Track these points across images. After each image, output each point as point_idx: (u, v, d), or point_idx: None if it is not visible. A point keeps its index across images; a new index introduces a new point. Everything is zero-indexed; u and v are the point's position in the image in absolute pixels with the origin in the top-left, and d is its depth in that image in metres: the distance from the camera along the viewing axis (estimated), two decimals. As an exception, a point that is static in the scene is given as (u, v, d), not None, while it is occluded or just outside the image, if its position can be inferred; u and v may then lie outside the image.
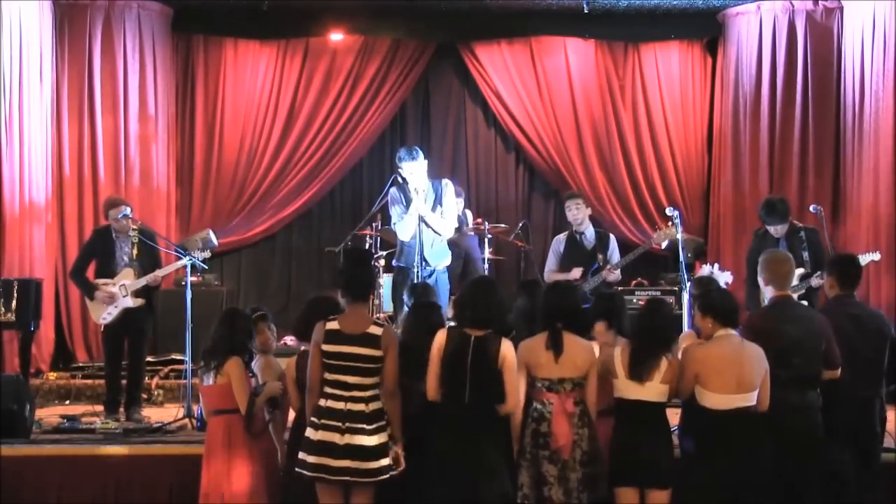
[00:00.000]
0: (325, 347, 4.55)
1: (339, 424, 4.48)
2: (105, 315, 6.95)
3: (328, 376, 4.55)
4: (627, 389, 4.64)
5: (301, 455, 4.55)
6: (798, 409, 4.80)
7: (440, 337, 4.71)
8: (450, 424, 4.62)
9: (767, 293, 5.06)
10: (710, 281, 5.70)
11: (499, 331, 4.94)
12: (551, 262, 7.77)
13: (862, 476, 5.12)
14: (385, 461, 4.52)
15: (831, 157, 9.28)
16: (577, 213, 7.66)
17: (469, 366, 4.60)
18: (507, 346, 4.68)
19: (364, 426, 4.49)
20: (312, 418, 4.56)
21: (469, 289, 4.94)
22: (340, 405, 4.51)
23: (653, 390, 4.62)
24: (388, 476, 4.53)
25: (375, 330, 4.57)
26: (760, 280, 5.09)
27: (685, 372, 4.64)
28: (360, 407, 4.51)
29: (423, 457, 4.67)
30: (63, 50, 9.02)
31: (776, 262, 5.12)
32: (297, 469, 4.57)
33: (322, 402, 4.55)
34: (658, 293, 8.22)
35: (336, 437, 4.47)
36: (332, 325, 4.58)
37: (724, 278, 6.31)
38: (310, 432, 4.54)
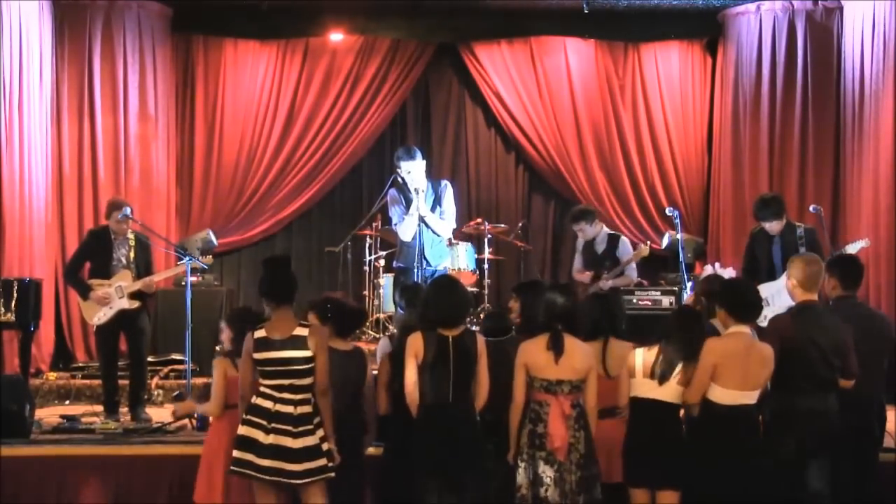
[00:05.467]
0: (256, 356, 4.63)
1: (265, 423, 4.57)
2: (100, 316, 6.92)
3: (264, 381, 4.63)
4: (643, 388, 4.64)
5: (233, 453, 4.62)
6: (818, 414, 4.78)
7: (416, 342, 4.72)
8: (434, 424, 4.65)
9: (795, 295, 5.02)
10: (716, 278, 5.70)
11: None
12: (577, 261, 7.82)
13: (859, 476, 5.12)
14: (313, 464, 4.56)
15: (831, 156, 9.28)
16: (583, 236, 7.67)
17: (452, 366, 4.66)
18: (481, 341, 4.78)
19: (290, 428, 4.55)
20: (243, 415, 4.65)
21: (431, 289, 4.94)
22: (269, 404, 4.59)
23: (669, 391, 4.61)
24: (322, 477, 4.58)
25: (301, 331, 4.64)
26: (790, 280, 5.05)
27: (703, 363, 4.59)
28: (288, 409, 4.58)
29: (407, 457, 4.71)
30: (63, 50, 9.02)
31: (805, 262, 5.05)
32: (230, 467, 4.64)
33: (253, 400, 4.64)
34: (658, 293, 8.20)
35: (260, 436, 4.56)
36: (260, 332, 4.66)
37: (728, 274, 6.31)
38: (239, 429, 4.64)
